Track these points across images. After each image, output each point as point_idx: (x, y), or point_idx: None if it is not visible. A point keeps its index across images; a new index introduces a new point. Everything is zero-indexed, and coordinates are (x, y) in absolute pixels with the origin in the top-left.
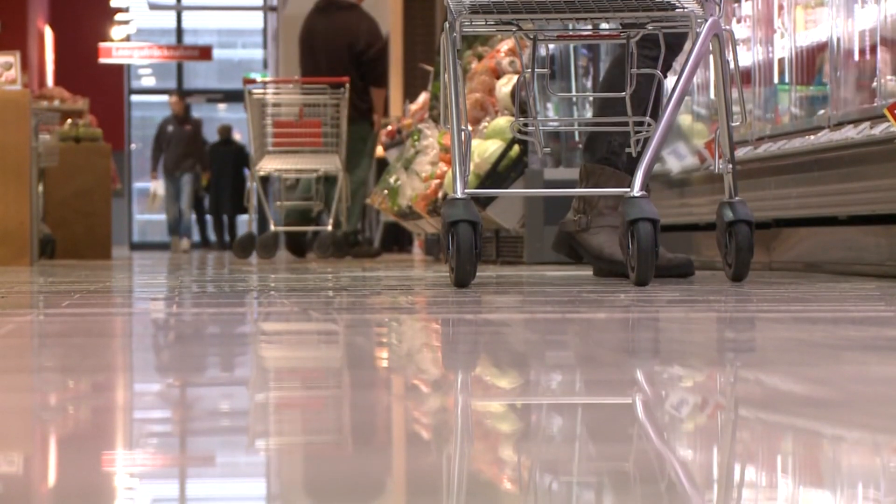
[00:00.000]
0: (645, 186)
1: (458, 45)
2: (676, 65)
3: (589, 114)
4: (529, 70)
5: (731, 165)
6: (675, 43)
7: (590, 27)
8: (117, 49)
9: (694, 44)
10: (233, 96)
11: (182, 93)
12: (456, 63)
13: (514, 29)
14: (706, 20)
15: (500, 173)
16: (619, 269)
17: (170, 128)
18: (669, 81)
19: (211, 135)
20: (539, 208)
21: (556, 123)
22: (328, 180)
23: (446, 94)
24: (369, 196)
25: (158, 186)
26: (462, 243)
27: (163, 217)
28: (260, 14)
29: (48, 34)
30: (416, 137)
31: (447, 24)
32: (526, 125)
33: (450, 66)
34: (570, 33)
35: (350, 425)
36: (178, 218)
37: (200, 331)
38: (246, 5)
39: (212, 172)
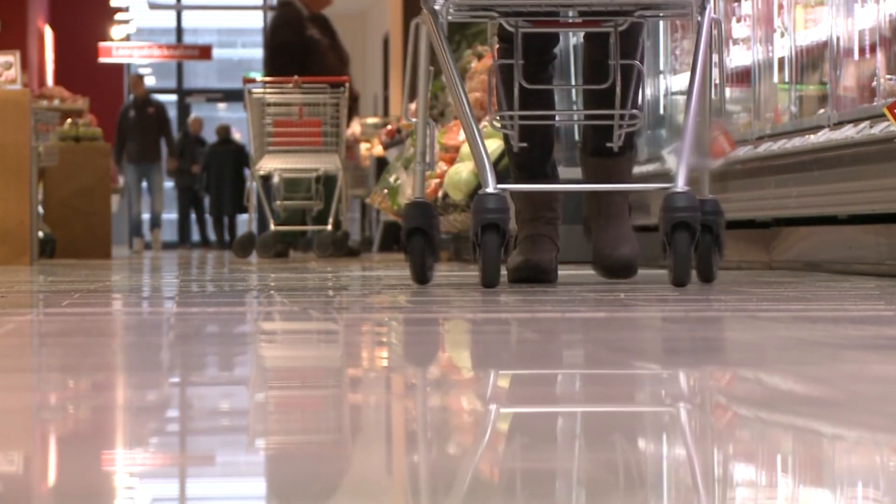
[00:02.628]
0: (689, 180)
1: (446, 31)
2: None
3: None
4: (503, 60)
5: (710, 160)
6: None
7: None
8: (117, 48)
9: (698, 35)
10: (233, 96)
11: (142, 76)
12: (449, 53)
13: (495, 16)
14: (704, 8)
15: (500, 173)
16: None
17: (131, 113)
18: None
19: (209, 134)
20: None
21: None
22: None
23: (453, 92)
24: (365, 196)
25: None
26: (490, 242)
27: (165, 216)
28: (260, 13)
29: (48, 34)
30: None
31: (425, 13)
32: (510, 118)
33: (447, 60)
34: (553, 20)
35: (350, 424)
36: (139, 216)
37: (200, 330)
38: (246, 5)
39: (211, 172)
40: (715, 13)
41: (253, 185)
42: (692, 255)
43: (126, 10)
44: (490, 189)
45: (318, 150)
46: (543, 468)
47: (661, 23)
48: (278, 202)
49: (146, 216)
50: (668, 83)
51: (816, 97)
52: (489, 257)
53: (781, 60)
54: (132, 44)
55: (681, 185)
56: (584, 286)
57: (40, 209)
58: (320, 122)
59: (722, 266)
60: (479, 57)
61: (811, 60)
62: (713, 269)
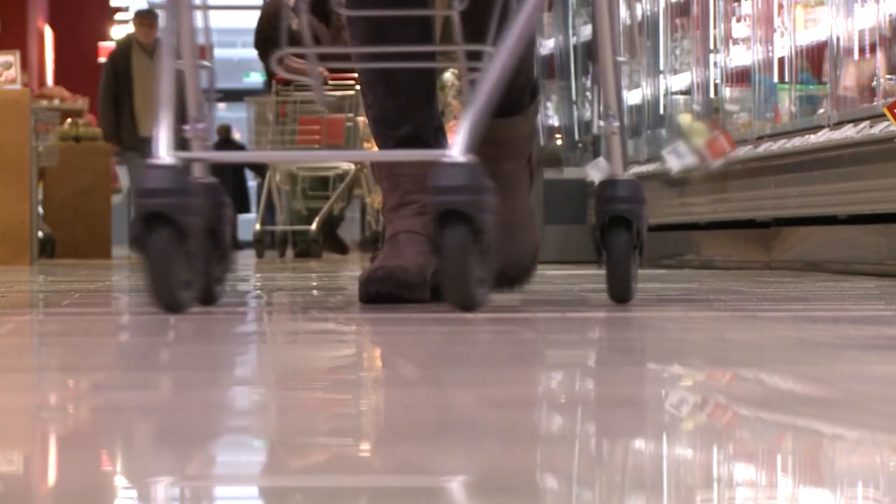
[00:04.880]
0: (472, 148)
1: None
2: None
3: (588, 114)
4: None
5: (617, 124)
6: None
7: None
8: None
9: None
10: (233, 96)
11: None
12: None
13: None
14: None
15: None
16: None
17: None
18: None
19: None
20: (538, 207)
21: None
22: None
23: None
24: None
25: (123, 174)
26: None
27: None
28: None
29: (48, 33)
30: None
31: None
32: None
33: None
34: None
35: (349, 425)
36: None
37: (201, 330)
38: (246, 5)
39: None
40: None
41: (261, 184)
42: (471, 265)
43: (126, 10)
44: (161, 159)
45: (339, 146)
46: (530, 464)
47: (661, 22)
48: (296, 202)
49: None
50: (668, 83)
51: (817, 97)
52: (154, 265)
53: (781, 60)
54: None
55: (457, 152)
56: (583, 284)
57: (40, 209)
58: (343, 119)
59: (722, 266)
60: None
61: (810, 60)
62: (630, 281)
